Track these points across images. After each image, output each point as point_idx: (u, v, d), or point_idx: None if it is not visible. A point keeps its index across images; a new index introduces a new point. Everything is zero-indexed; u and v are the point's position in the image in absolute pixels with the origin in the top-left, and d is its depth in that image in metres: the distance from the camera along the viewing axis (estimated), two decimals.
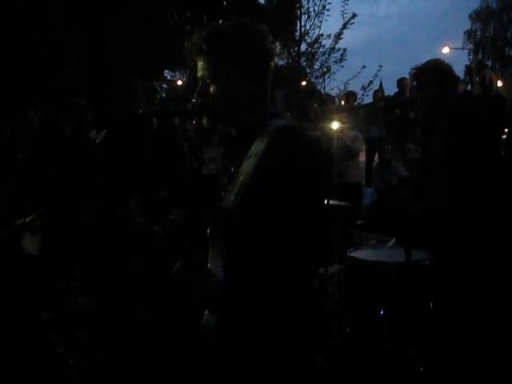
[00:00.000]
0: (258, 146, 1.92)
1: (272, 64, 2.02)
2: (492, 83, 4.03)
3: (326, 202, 2.00)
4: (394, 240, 4.36)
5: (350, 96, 10.10)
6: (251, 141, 1.95)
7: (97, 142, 1.76)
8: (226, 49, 1.92)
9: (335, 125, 6.56)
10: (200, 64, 1.97)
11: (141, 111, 1.95)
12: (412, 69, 4.10)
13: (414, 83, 4.12)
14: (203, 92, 1.98)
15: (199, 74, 1.98)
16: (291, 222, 1.80)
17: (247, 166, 1.91)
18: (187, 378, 2.09)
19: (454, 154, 3.80)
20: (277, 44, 17.43)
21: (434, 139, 4.01)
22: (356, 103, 10.46)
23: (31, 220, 1.69)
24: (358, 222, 5.08)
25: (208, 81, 1.96)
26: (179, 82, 18.12)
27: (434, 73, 3.97)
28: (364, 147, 8.94)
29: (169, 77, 18.76)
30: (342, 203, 4.51)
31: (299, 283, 1.87)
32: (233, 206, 1.90)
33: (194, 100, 1.99)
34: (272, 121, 1.97)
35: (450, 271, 3.69)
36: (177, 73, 18.72)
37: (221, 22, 1.97)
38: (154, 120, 4.46)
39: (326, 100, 9.52)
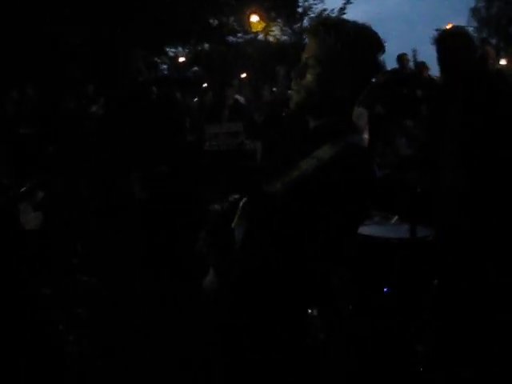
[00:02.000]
0: (325, 151, 1.88)
1: (372, 79, 2.05)
2: (489, 60, 3.93)
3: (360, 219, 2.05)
4: (396, 217, 4.32)
5: None
6: (322, 141, 1.91)
7: (94, 112, 1.67)
8: (339, 43, 1.89)
9: None
10: (310, 45, 1.96)
11: (140, 79, 1.88)
12: (437, 30, 3.89)
13: (437, 47, 3.91)
14: (300, 72, 1.96)
15: (305, 54, 1.97)
16: (322, 232, 1.81)
17: (307, 164, 1.88)
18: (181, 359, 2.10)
19: (472, 130, 3.68)
20: (279, 20, 17.33)
21: (447, 115, 3.89)
22: None
23: (25, 191, 1.65)
24: None
25: (309, 63, 1.94)
26: (181, 59, 17.97)
27: (461, 38, 3.82)
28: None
29: (171, 53, 18.59)
30: None
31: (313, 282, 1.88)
32: (275, 193, 1.88)
33: (196, 68, 1.96)
34: (349, 134, 1.95)
35: (454, 248, 3.64)
36: (179, 49, 18.54)
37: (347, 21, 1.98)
38: (154, 89, 4.42)
39: None
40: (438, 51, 3.87)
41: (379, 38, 1.96)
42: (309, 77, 1.94)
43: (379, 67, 2.00)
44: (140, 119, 4.55)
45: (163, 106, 4.68)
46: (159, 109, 4.63)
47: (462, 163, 3.71)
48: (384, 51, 1.97)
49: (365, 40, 1.93)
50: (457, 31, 3.99)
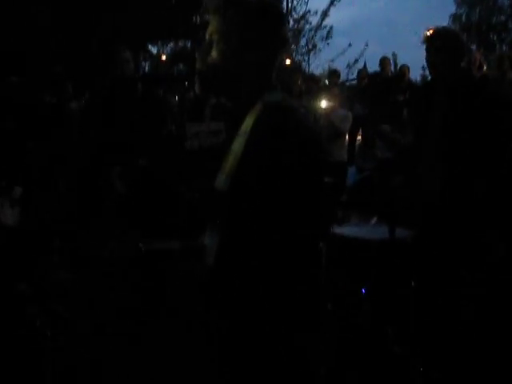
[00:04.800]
0: (247, 123, 1.87)
1: (282, 50, 1.98)
2: (481, 65, 3.94)
3: (318, 178, 1.92)
4: (375, 218, 4.35)
5: (333, 74, 9.96)
6: (245, 116, 1.90)
7: (75, 107, 1.67)
8: (241, 17, 1.90)
9: (324, 103, 6.51)
10: (212, 23, 1.95)
11: (126, 76, 1.88)
12: (428, 29, 3.86)
13: (426, 45, 3.87)
14: (207, 51, 1.97)
15: (208, 32, 1.97)
16: (280, 201, 1.77)
17: (237, 144, 1.87)
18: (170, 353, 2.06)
19: (456, 132, 3.69)
20: None
21: (429, 118, 3.90)
22: (340, 81, 10.39)
23: (3, 186, 1.64)
24: (342, 200, 5.05)
25: (215, 41, 1.94)
26: (163, 57, 17.89)
27: (451, 39, 3.82)
28: None
29: (154, 50, 18.52)
30: (327, 180, 4.46)
31: (294, 262, 1.82)
32: (223, 187, 1.87)
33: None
34: (265, 96, 1.91)
35: (432, 249, 3.67)
36: (160, 45, 18.46)
37: None
38: (139, 86, 4.41)
39: (311, 80, 9.40)
40: (427, 50, 3.87)
41: (281, 11, 2.01)
42: (214, 53, 1.95)
43: (284, 40, 1.98)
44: (124, 115, 4.53)
45: (147, 103, 4.68)
46: (143, 105, 4.63)
47: (441, 166, 3.75)
48: (284, 24, 1.99)
49: (265, 13, 1.93)
50: (446, 31, 4.00)
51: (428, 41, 3.87)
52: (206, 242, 1.92)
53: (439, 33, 3.90)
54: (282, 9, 2.00)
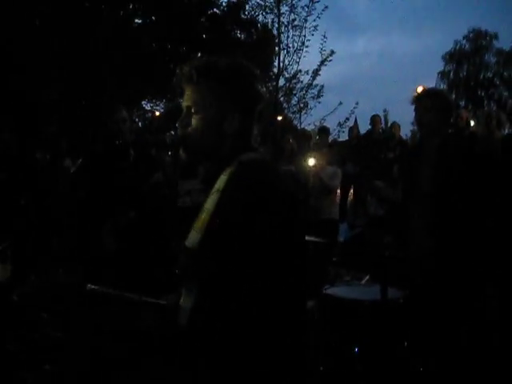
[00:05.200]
0: (221, 180, 1.87)
1: (259, 107, 1.99)
2: (468, 123, 4.04)
3: (294, 235, 1.87)
4: (367, 277, 4.35)
5: (322, 132, 9.96)
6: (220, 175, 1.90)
7: (71, 171, 1.69)
8: (214, 83, 1.91)
9: (312, 161, 6.59)
10: (187, 93, 1.96)
11: (118, 142, 1.90)
12: (416, 89, 3.95)
13: (415, 106, 3.96)
14: (186, 121, 1.96)
15: (185, 102, 1.97)
16: (251, 259, 1.73)
17: (210, 202, 1.87)
18: None
19: (445, 189, 3.75)
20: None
21: (418, 176, 3.96)
22: (331, 139, 10.47)
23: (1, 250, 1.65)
24: (334, 259, 5.05)
25: (192, 110, 1.94)
26: (157, 113, 18.05)
27: (440, 99, 3.91)
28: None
29: (148, 107, 18.69)
30: (317, 239, 4.47)
31: (270, 324, 1.75)
32: (195, 245, 1.85)
33: (172, 132, 1.97)
34: (242, 155, 1.92)
35: (424, 310, 3.67)
36: (154, 103, 18.66)
37: (216, 57, 1.96)
38: (131, 151, 4.45)
39: (302, 136, 9.48)
40: (416, 110, 3.95)
41: (251, 67, 1.98)
42: (194, 122, 1.94)
43: (259, 95, 1.99)
44: (116, 178, 4.55)
45: (139, 165, 4.70)
46: (135, 168, 4.65)
47: (431, 225, 3.79)
48: (257, 80, 1.99)
49: (236, 73, 1.94)
50: (434, 91, 4.09)
51: (417, 101, 3.95)
52: (180, 301, 1.89)
53: (428, 93, 3.99)
54: (250, 66, 1.98)
